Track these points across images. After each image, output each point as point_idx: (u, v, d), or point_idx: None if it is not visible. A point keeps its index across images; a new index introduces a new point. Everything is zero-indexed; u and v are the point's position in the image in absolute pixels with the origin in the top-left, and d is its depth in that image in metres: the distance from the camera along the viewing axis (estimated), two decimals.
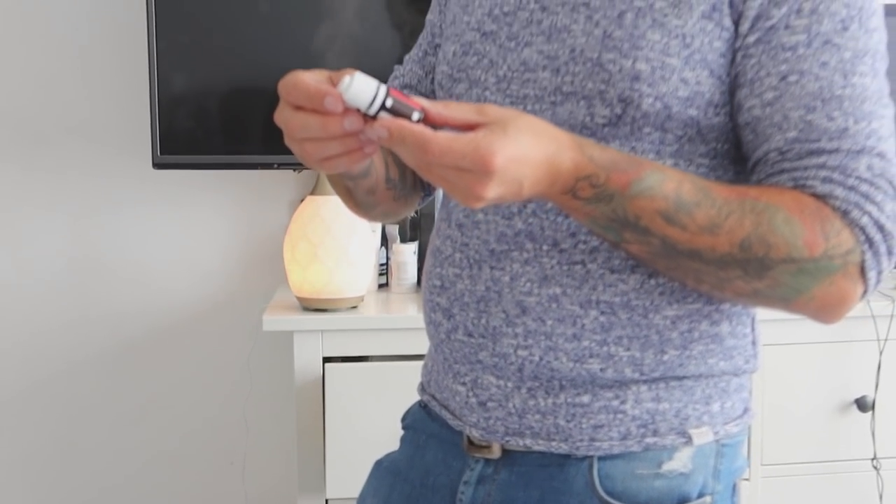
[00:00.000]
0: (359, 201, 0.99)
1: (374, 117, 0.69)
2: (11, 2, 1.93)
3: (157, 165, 1.78)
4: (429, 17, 1.08)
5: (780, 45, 0.79)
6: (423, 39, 1.08)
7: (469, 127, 0.70)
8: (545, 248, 0.85)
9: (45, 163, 1.98)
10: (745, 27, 0.81)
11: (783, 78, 0.79)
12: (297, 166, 1.90)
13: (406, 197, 1.03)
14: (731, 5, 0.81)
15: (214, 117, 1.81)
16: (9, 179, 1.98)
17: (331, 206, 1.69)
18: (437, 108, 0.70)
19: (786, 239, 0.75)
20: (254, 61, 1.79)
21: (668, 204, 0.75)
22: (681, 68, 0.81)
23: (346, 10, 1.67)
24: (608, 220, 0.76)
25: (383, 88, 0.69)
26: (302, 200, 1.97)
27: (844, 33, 0.79)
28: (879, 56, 0.81)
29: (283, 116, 0.73)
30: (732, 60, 0.82)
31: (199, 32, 1.76)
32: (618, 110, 0.82)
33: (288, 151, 1.88)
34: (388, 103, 0.69)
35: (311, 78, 0.71)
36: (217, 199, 2.04)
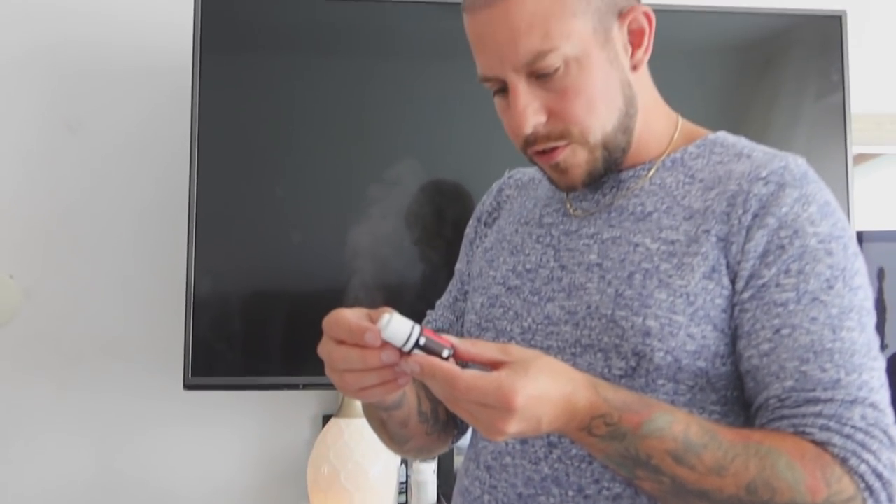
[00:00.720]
0: (392, 434, 1.02)
1: (409, 353, 0.77)
2: (51, 224, 2.06)
3: (188, 387, 1.84)
4: (458, 266, 1.16)
5: (771, 302, 0.86)
6: (452, 286, 1.15)
7: (494, 364, 0.77)
8: (570, 493, 0.89)
9: (77, 380, 2.05)
10: (740, 285, 0.88)
11: (777, 331, 0.85)
12: (321, 387, 1.95)
13: (438, 433, 1.07)
14: (728, 266, 0.88)
15: (244, 341, 1.90)
16: (41, 395, 2.03)
17: (354, 429, 1.74)
18: (465, 345, 0.77)
19: (789, 484, 0.78)
20: (288, 289, 1.89)
21: (677, 445, 0.79)
22: (687, 324, 0.87)
23: (372, 245, 1.79)
24: (621, 457, 0.80)
25: (417, 328, 0.77)
26: (324, 417, 2.02)
27: (830, 291, 0.86)
28: (865, 312, 0.87)
29: (326, 349, 0.80)
30: (732, 314, 0.88)
31: (235, 264, 1.88)
32: (632, 363, 0.88)
33: (311, 373, 1.94)
34: (422, 341, 0.76)
35: (352, 315, 0.79)
36: (240, 416, 2.08)
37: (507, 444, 0.94)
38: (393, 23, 1.94)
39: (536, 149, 0.95)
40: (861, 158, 2.28)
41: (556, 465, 0.90)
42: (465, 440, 1.11)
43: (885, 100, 2.28)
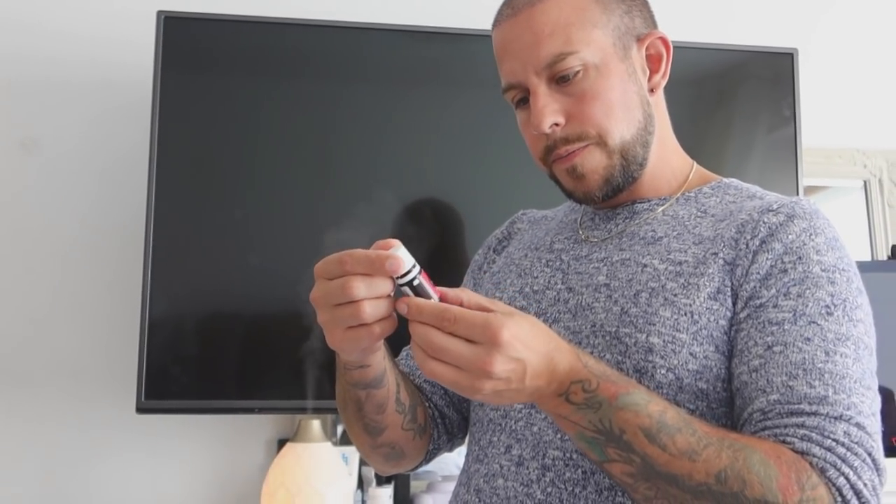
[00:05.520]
0: (367, 423, 0.99)
1: (401, 287, 0.77)
2: (3, 244, 2.02)
3: (141, 410, 1.81)
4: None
5: (766, 321, 0.86)
6: None
7: (483, 310, 0.76)
8: None
9: (27, 403, 2.00)
10: (739, 306, 0.89)
11: (768, 348, 0.85)
12: (276, 411, 1.93)
13: (413, 434, 1.04)
14: (732, 289, 0.89)
15: (199, 364, 1.87)
16: None
17: (310, 454, 1.72)
18: (454, 293, 0.77)
19: (760, 479, 0.77)
20: (245, 313, 1.88)
21: (651, 422, 0.78)
22: (689, 342, 0.88)
23: None
24: (595, 431, 0.79)
25: (417, 267, 0.77)
26: (279, 441, 1.99)
27: (828, 318, 0.85)
28: (863, 346, 0.86)
29: (326, 287, 0.77)
30: (730, 336, 0.89)
31: (192, 286, 1.86)
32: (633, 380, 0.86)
33: (266, 397, 1.90)
34: (416, 282, 0.77)
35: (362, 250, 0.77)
36: (194, 440, 2.04)
37: (500, 465, 0.94)
38: (355, 48, 1.95)
39: (557, 153, 0.97)
40: (811, 190, 2.34)
41: (548, 490, 0.90)
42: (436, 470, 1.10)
43: (834, 134, 2.35)
